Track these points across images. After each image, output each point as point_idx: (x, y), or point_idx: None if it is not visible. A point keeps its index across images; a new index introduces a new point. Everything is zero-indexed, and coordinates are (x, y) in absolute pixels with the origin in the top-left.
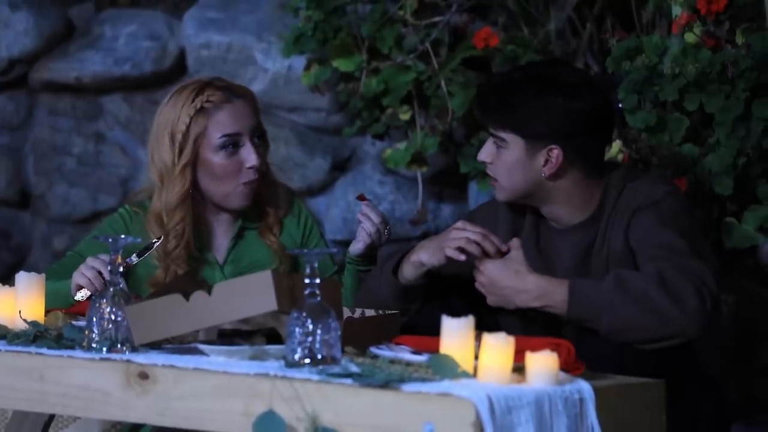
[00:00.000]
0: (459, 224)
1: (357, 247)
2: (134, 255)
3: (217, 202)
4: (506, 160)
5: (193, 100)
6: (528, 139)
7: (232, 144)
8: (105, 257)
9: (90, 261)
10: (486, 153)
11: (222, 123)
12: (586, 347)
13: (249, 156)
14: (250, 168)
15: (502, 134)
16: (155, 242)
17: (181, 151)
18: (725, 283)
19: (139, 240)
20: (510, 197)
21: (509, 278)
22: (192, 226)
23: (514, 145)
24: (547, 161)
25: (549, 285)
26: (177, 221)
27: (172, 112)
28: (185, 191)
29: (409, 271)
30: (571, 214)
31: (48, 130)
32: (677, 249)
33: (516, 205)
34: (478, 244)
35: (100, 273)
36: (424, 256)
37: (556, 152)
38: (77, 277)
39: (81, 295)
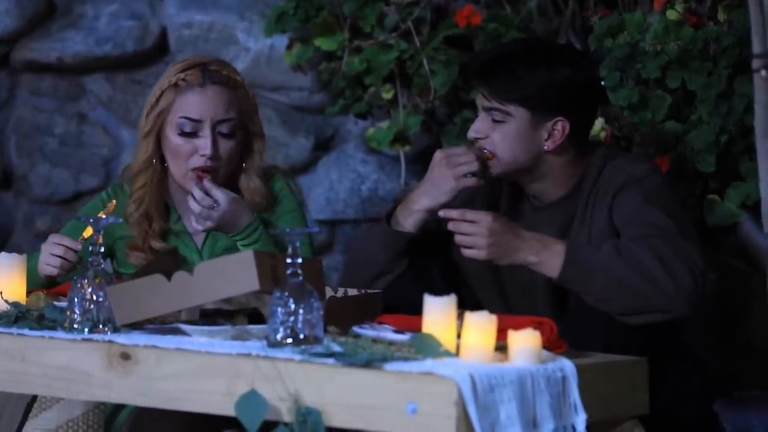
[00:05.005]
0: (446, 152)
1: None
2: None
3: (176, 181)
4: (506, 134)
5: (174, 75)
6: (534, 111)
7: (190, 128)
8: (64, 240)
9: (49, 248)
10: (477, 129)
11: (186, 104)
12: (571, 326)
13: (204, 144)
14: (203, 156)
15: (507, 107)
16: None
17: (146, 120)
18: (708, 260)
19: (120, 220)
20: (506, 171)
21: (509, 232)
22: (156, 196)
23: (519, 117)
24: (550, 135)
25: (547, 241)
26: (137, 187)
27: (158, 83)
28: (147, 158)
29: (408, 221)
30: (554, 190)
31: (30, 111)
32: (665, 228)
33: (491, 185)
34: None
35: (63, 257)
36: (426, 201)
37: (561, 125)
38: (43, 268)
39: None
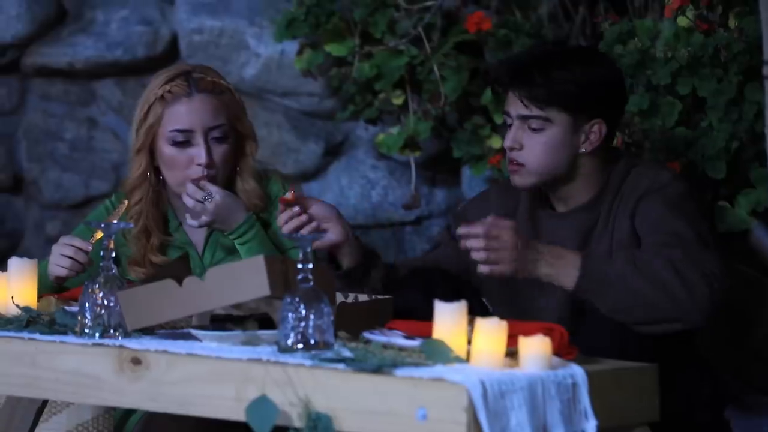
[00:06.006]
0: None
1: None
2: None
3: (174, 190)
4: (544, 143)
5: (159, 87)
6: (574, 114)
7: (182, 139)
8: (75, 241)
9: (60, 249)
10: (514, 139)
11: (175, 116)
12: (584, 334)
13: (198, 154)
14: (199, 165)
15: (548, 112)
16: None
17: (137, 135)
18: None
19: (131, 225)
20: (538, 181)
21: (526, 245)
22: (153, 209)
23: (558, 123)
24: (587, 137)
25: (562, 253)
26: (135, 202)
27: (144, 95)
28: (141, 173)
29: (345, 259)
30: (580, 194)
31: (40, 116)
32: (685, 238)
33: (507, 193)
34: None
35: (73, 258)
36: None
37: (598, 126)
38: (53, 269)
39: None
